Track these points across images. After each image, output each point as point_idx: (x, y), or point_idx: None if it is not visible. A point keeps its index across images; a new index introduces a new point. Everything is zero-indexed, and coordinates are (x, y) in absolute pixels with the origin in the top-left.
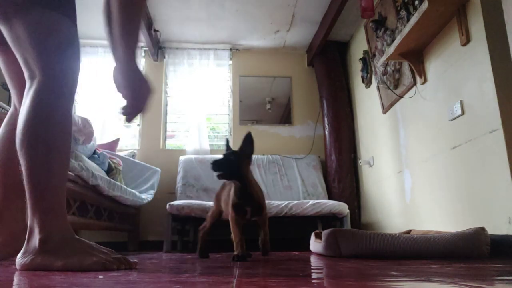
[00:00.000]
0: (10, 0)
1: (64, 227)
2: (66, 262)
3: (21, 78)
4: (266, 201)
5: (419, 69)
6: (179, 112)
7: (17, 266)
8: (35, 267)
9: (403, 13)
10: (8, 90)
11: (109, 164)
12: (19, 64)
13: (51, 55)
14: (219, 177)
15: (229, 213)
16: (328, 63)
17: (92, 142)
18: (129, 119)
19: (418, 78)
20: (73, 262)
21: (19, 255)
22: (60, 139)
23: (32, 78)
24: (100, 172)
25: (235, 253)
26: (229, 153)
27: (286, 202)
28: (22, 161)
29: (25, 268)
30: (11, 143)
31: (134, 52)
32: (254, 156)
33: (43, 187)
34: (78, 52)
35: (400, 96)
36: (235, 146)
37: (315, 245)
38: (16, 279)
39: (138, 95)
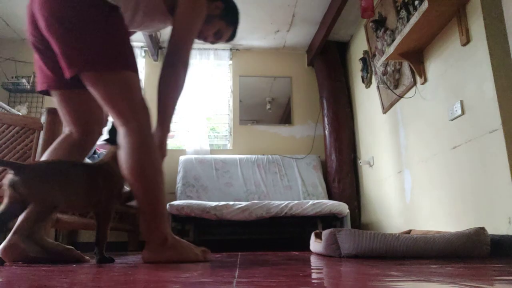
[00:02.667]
0: (104, 64)
1: (170, 231)
2: (178, 256)
3: (82, 116)
4: (267, 201)
5: (419, 69)
6: (179, 112)
7: (143, 260)
8: (158, 259)
9: (403, 13)
10: (8, 90)
11: None
12: (85, 105)
13: (138, 106)
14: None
15: None
16: (328, 63)
17: None
18: None
19: (418, 78)
20: (183, 255)
21: (143, 251)
22: (159, 163)
23: (127, 124)
24: None
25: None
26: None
27: (286, 202)
28: (138, 185)
29: (152, 260)
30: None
31: (164, 119)
32: (254, 156)
33: (158, 203)
34: None
35: (400, 96)
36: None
37: (315, 245)
38: (6, 278)
39: None
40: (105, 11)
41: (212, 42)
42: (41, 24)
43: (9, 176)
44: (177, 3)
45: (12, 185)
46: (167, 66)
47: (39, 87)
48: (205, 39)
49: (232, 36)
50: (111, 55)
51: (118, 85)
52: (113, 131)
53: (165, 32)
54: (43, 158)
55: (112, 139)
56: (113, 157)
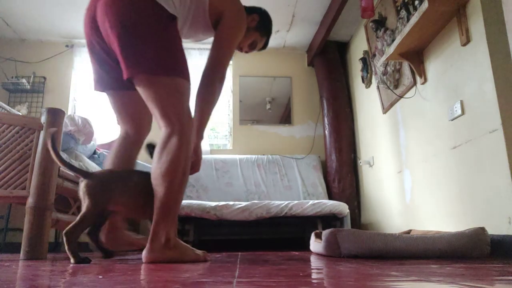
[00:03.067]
0: (161, 68)
1: (175, 234)
2: (179, 256)
3: (133, 115)
4: (267, 201)
5: (419, 69)
6: None
7: (144, 260)
8: (160, 259)
9: (403, 13)
10: (8, 90)
11: None
12: (136, 106)
13: (184, 111)
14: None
15: None
16: (328, 63)
17: (92, 142)
18: None
19: (418, 78)
20: (184, 255)
21: (145, 251)
22: (188, 170)
23: (171, 126)
24: None
25: None
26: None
27: (286, 202)
28: (163, 183)
29: (153, 259)
30: (124, 160)
31: (200, 126)
32: (254, 156)
33: (175, 205)
34: None
35: (400, 96)
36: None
37: (315, 245)
38: (6, 278)
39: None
40: (166, 20)
41: (246, 52)
42: (105, 26)
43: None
44: (221, 18)
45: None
46: (206, 80)
47: (95, 87)
48: (240, 49)
49: (265, 46)
50: (168, 61)
51: (169, 89)
52: (151, 146)
53: None
54: (110, 162)
55: (153, 149)
56: None
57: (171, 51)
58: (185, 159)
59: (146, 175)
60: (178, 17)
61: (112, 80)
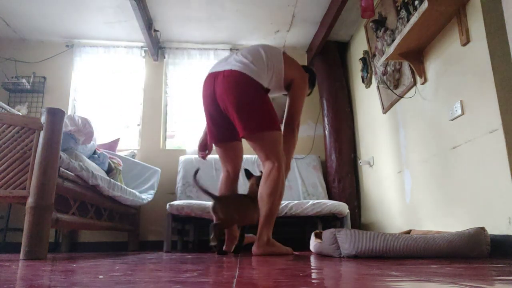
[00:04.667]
0: (266, 127)
1: (271, 234)
2: (277, 250)
3: (234, 159)
4: None
5: (419, 69)
6: (179, 112)
7: (253, 253)
8: (265, 253)
9: (403, 13)
10: (8, 91)
11: (109, 164)
12: (236, 152)
13: (280, 154)
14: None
15: None
16: (328, 63)
17: (92, 142)
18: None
19: (418, 78)
20: (280, 250)
21: (254, 247)
22: (282, 191)
23: (272, 163)
24: (100, 172)
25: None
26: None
27: (286, 202)
28: (268, 201)
29: (260, 253)
30: (230, 191)
31: (289, 160)
32: (253, 156)
33: (273, 216)
34: None
35: (400, 96)
36: None
37: (315, 245)
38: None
39: None
40: (265, 93)
41: None
42: (224, 100)
43: (211, 203)
44: (292, 82)
45: (214, 209)
46: (289, 128)
47: (209, 141)
48: None
49: (309, 94)
50: (270, 121)
51: (272, 139)
52: (247, 171)
53: (165, 33)
54: (221, 191)
55: (249, 174)
56: (252, 187)
57: (271, 114)
58: (282, 185)
59: (247, 197)
60: (270, 89)
61: (223, 136)
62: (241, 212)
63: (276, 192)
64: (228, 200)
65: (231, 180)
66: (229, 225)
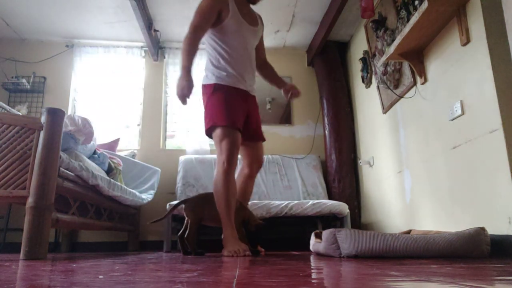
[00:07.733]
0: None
1: (234, 232)
2: (230, 247)
3: (250, 157)
4: (267, 201)
5: (419, 69)
6: (179, 112)
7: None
8: (226, 253)
9: (403, 13)
10: (8, 91)
11: (109, 164)
12: (252, 151)
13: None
14: None
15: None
16: (328, 63)
17: (92, 142)
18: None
19: (418, 78)
20: (231, 247)
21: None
22: (226, 191)
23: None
24: (100, 172)
25: None
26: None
27: (286, 202)
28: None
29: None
30: (242, 184)
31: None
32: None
33: (222, 216)
34: None
35: (400, 96)
36: None
37: (315, 245)
38: (6, 277)
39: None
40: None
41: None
42: (253, 113)
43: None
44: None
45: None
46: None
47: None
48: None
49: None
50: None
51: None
52: None
53: (165, 33)
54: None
55: None
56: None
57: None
58: (220, 184)
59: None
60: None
61: (244, 137)
62: (210, 210)
63: (217, 192)
64: (196, 200)
65: (247, 177)
66: (198, 223)
